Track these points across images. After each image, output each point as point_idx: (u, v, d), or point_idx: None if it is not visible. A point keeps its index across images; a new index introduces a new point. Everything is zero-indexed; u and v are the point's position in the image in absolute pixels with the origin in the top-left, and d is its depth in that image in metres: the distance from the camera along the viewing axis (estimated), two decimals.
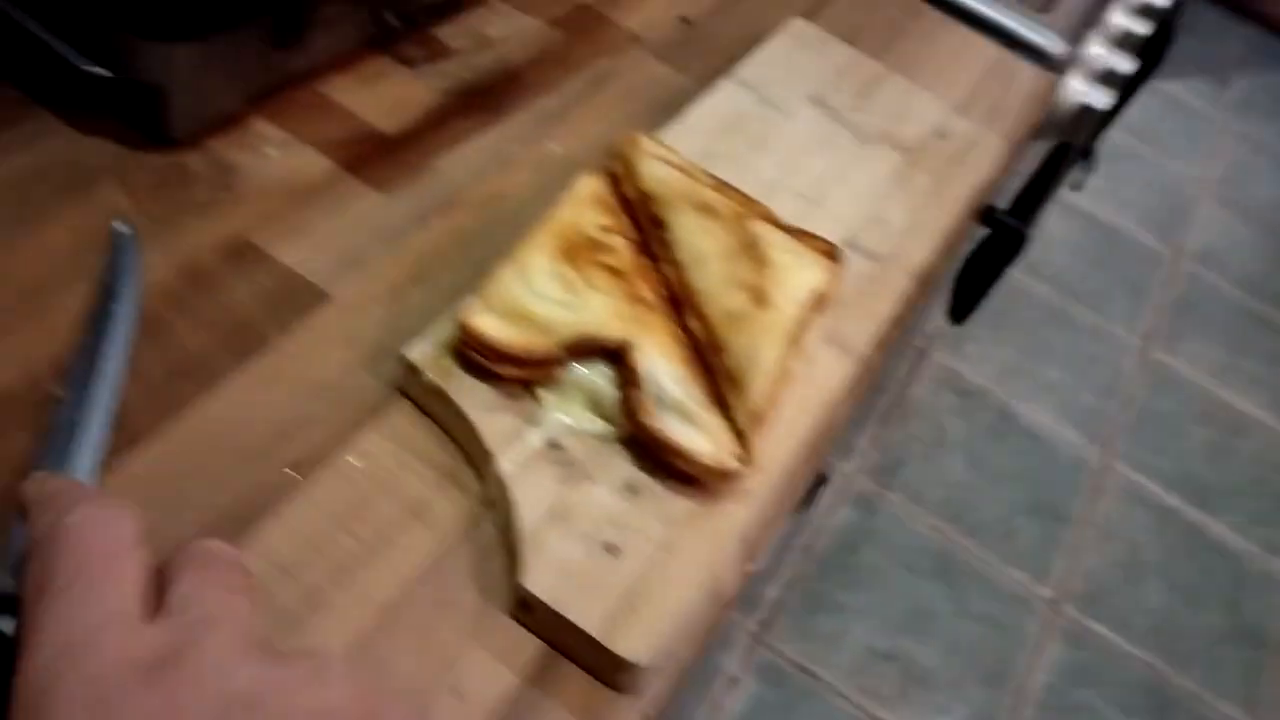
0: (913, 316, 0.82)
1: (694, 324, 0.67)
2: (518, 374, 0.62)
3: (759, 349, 0.66)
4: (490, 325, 0.62)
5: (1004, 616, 2.20)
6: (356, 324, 0.66)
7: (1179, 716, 2.12)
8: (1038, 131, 1.08)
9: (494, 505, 0.60)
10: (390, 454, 0.61)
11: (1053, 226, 2.84)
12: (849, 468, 2.24)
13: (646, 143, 0.75)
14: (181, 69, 0.68)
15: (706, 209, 0.72)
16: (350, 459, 0.60)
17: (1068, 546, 2.33)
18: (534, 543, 0.57)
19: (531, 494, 0.59)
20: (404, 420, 0.63)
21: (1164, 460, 2.54)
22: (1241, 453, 2.61)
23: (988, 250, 1.17)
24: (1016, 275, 2.33)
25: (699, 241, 0.70)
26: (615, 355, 0.64)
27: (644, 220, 0.72)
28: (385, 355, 0.65)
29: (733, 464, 0.62)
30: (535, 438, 0.62)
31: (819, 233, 0.76)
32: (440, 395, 0.62)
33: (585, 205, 0.71)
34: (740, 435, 0.63)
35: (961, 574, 2.22)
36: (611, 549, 0.58)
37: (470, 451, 0.62)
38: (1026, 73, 1.09)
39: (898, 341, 0.80)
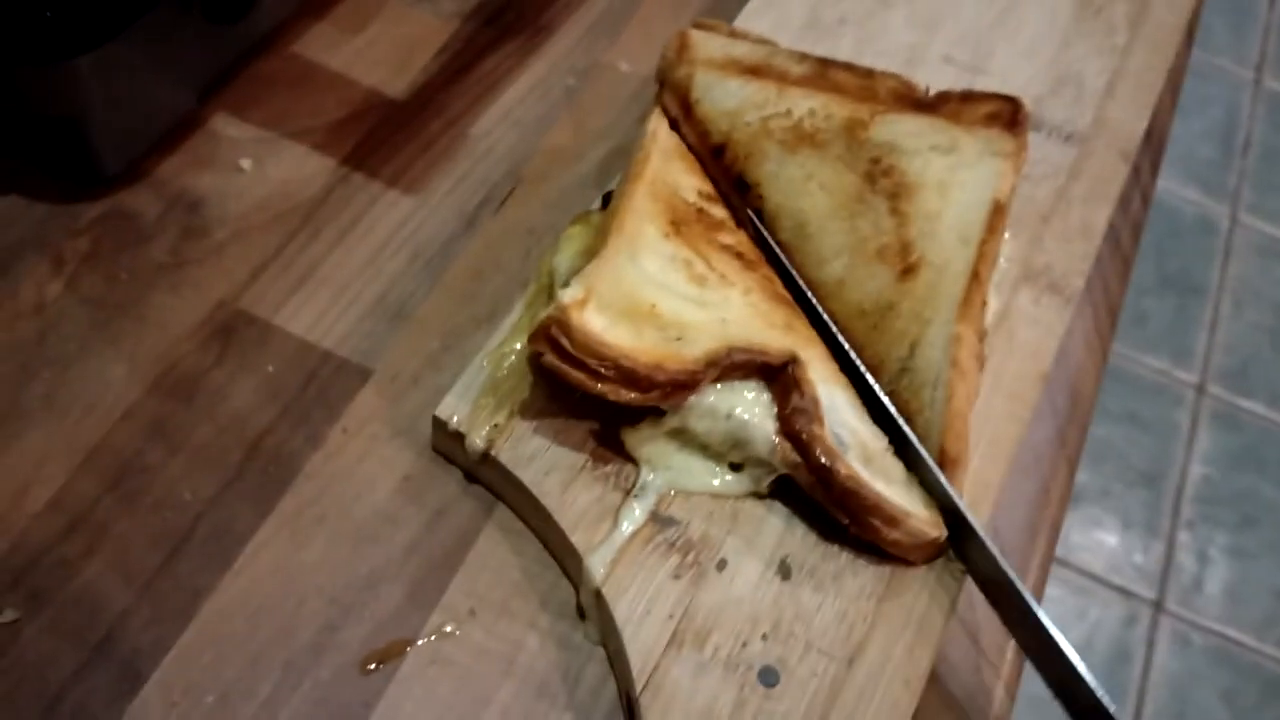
0: (1133, 210, 0.61)
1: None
2: (638, 400, 0.42)
3: (924, 351, 0.46)
4: (600, 325, 0.42)
5: (1147, 411, 2.02)
6: (409, 408, 0.47)
7: None
8: None
9: (591, 621, 0.43)
10: (497, 603, 0.43)
11: None
12: None
13: (699, 39, 0.53)
14: (94, 86, 0.47)
15: (802, 138, 0.50)
16: (446, 627, 0.42)
17: (1205, 321, 2.13)
18: (654, 688, 0.40)
19: (639, 605, 0.41)
20: (505, 545, 0.44)
21: None
22: None
23: None
24: None
25: (799, 201, 0.49)
26: (772, 376, 0.45)
27: (721, 182, 0.51)
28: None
29: (942, 530, 0.43)
30: (635, 512, 0.43)
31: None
32: (496, 469, 0.44)
33: (672, 158, 0.50)
34: None
35: None
36: (769, 677, 0.40)
37: (555, 550, 0.44)
38: None
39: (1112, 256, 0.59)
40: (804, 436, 0.43)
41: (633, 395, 0.42)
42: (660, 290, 0.45)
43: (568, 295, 0.42)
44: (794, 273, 0.48)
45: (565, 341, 0.41)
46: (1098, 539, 1.86)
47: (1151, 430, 1.97)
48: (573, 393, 0.43)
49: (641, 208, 0.47)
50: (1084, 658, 0.39)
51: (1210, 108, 2.43)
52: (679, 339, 0.43)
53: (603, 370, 0.42)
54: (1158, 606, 1.83)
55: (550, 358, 0.42)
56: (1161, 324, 2.11)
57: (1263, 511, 1.92)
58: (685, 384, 0.43)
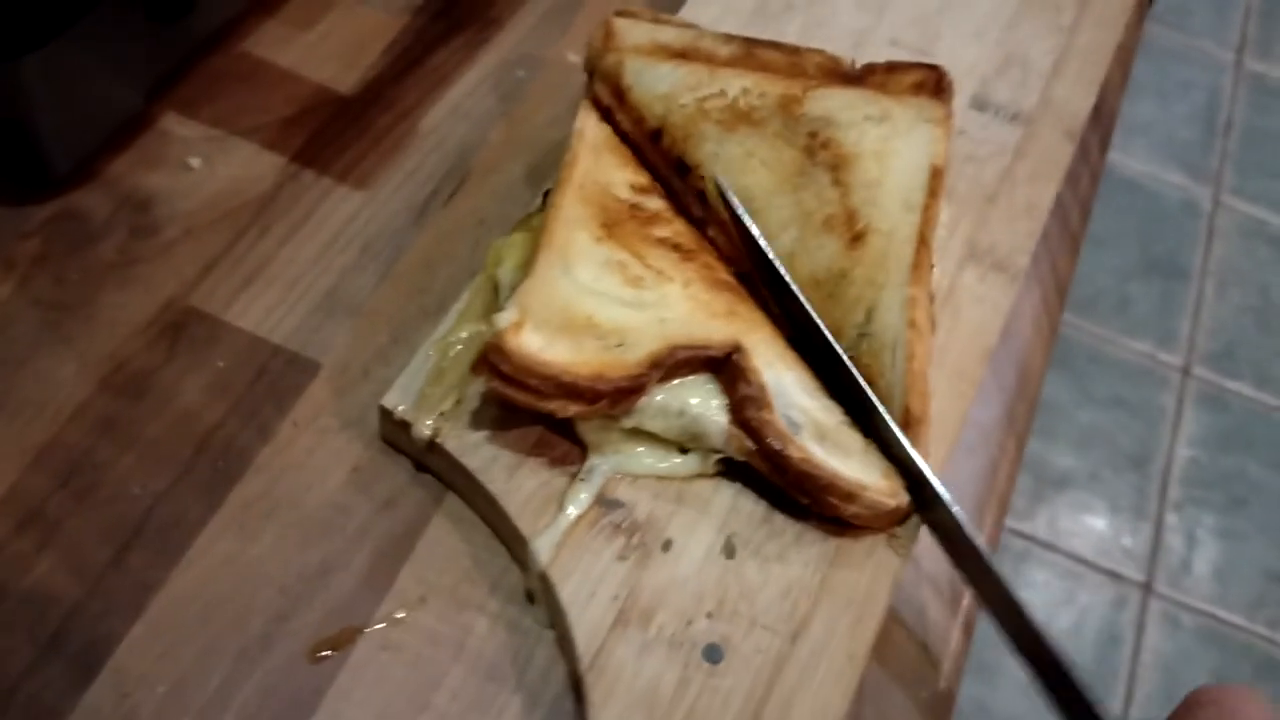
0: (1081, 190, 0.61)
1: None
2: (587, 412, 0.43)
3: (880, 316, 0.47)
4: (537, 344, 0.43)
5: (1133, 395, 2.02)
6: (359, 400, 0.47)
7: None
8: None
9: (540, 605, 0.44)
10: (447, 589, 0.43)
11: None
12: None
13: (624, 27, 0.54)
14: (39, 87, 0.47)
15: (738, 116, 0.51)
16: (397, 614, 0.42)
17: (1189, 304, 2.13)
18: (600, 668, 0.40)
19: (585, 587, 0.42)
20: (455, 533, 0.45)
21: (1278, 184, 2.30)
22: None
23: None
24: None
25: (742, 178, 0.50)
26: (718, 368, 0.45)
27: (660, 166, 0.51)
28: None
29: (905, 497, 0.44)
30: (581, 495, 0.44)
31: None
32: (443, 456, 0.44)
33: (602, 154, 0.51)
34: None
35: (1079, 358, 2.03)
36: (713, 654, 0.41)
37: (503, 536, 0.45)
38: None
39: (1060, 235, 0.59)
40: (754, 424, 0.44)
41: (579, 409, 0.43)
42: (596, 299, 0.45)
43: (503, 319, 0.43)
44: (755, 232, 0.48)
45: (504, 366, 0.42)
46: (1086, 523, 1.86)
47: (1138, 413, 1.97)
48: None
49: (571, 215, 0.47)
50: (1074, 641, 0.40)
51: (1191, 91, 2.43)
52: (620, 345, 0.44)
53: (544, 389, 0.42)
54: (1147, 589, 1.83)
55: (495, 383, 0.42)
56: (1146, 307, 2.11)
57: (1250, 492, 1.92)
58: (630, 389, 0.43)
